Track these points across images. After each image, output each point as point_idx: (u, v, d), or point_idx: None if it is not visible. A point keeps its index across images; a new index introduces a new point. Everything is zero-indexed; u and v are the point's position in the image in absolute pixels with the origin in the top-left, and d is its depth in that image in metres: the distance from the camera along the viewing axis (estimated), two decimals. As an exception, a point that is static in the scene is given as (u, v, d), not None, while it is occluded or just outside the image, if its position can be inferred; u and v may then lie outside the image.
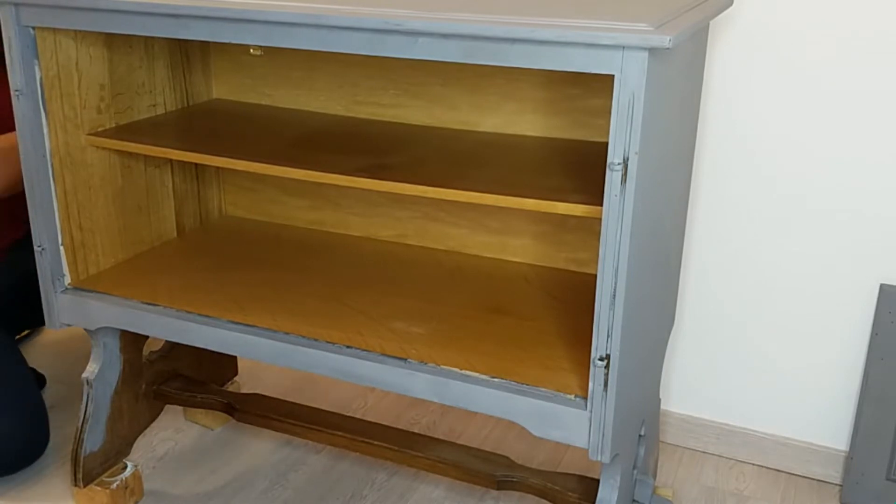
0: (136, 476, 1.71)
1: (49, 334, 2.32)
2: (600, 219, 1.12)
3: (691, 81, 1.39)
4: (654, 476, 1.68)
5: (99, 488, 1.64)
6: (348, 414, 1.75)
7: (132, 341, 1.66)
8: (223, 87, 1.80)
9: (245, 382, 2.07)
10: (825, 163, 1.64)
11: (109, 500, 1.65)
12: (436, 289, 1.54)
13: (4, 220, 1.94)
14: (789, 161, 1.66)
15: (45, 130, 1.44)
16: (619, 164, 1.08)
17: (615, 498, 1.30)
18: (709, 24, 1.46)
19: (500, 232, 1.65)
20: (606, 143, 1.09)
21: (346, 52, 1.19)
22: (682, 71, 1.28)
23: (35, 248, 1.50)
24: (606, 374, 1.17)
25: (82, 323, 1.53)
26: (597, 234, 1.14)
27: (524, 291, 1.54)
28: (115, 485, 1.65)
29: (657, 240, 1.30)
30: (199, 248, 1.71)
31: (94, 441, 1.62)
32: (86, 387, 1.60)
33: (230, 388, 1.98)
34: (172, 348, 1.78)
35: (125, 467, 1.69)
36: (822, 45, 1.58)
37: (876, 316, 1.66)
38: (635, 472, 1.43)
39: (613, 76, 1.06)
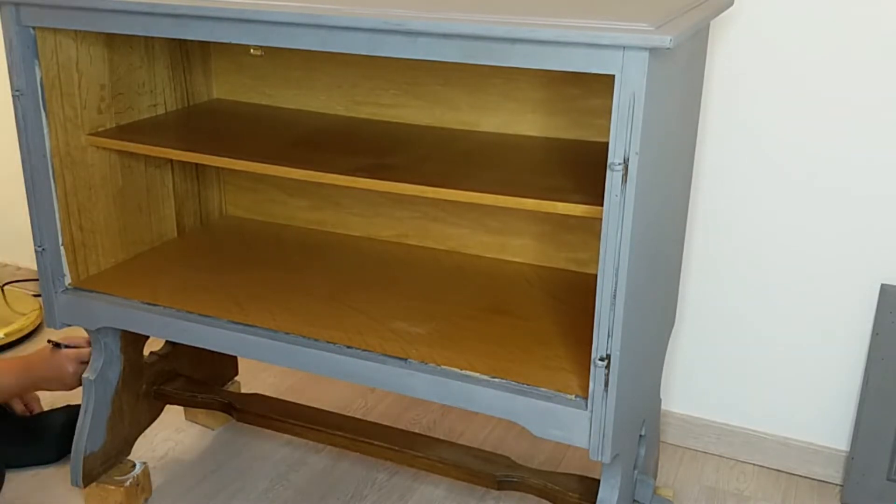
0: (146, 474, 1.71)
1: (49, 334, 2.32)
2: (600, 219, 1.12)
3: (692, 81, 1.39)
4: (655, 476, 1.68)
5: (112, 487, 1.65)
6: (348, 414, 1.75)
7: (132, 341, 1.66)
8: (223, 87, 1.80)
9: (245, 382, 2.07)
10: (826, 163, 1.63)
11: (124, 498, 1.65)
12: (436, 289, 1.54)
13: None
14: (790, 162, 1.66)
15: (46, 130, 1.44)
16: (619, 164, 1.08)
17: (616, 498, 1.30)
18: (709, 24, 1.46)
19: (501, 232, 1.65)
20: (606, 143, 1.09)
21: (345, 53, 1.19)
22: (682, 71, 1.28)
23: (35, 248, 1.50)
24: (607, 374, 1.17)
25: (82, 323, 1.53)
26: (597, 234, 1.14)
27: (524, 291, 1.54)
28: (128, 482, 1.66)
29: (658, 240, 1.30)
30: (199, 248, 1.71)
31: (94, 441, 1.62)
32: (86, 387, 1.60)
33: (230, 388, 1.98)
34: (172, 348, 1.78)
35: (134, 466, 1.69)
36: (823, 44, 1.58)
37: (876, 316, 1.66)
38: (636, 472, 1.43)
39: (614, 76, 1.06)
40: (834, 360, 1.74)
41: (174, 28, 1.28)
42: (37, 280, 1.55)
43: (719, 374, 1.84)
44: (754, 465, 1.86)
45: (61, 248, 1.51)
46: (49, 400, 1.97)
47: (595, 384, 1.18)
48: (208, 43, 1.74)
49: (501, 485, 1.52)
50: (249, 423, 1.75)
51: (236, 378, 2.02)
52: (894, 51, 1.54)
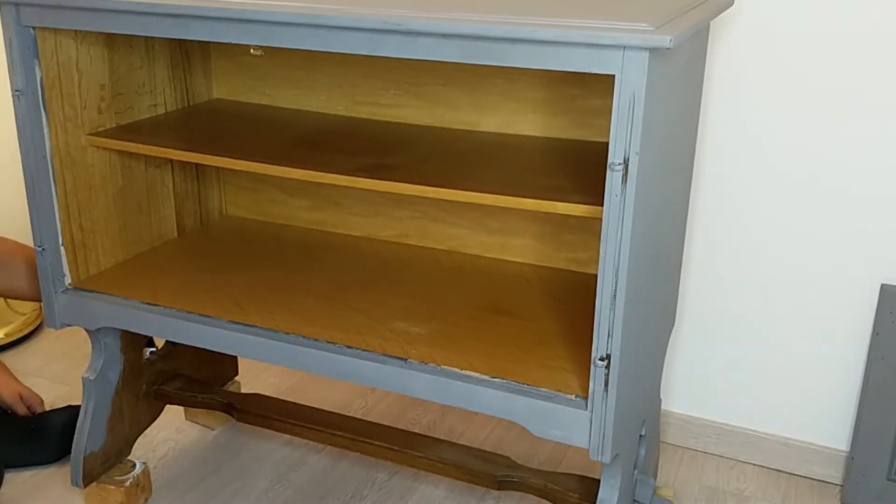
0: (146, 474, 1.71)
1: (49, 334, 2.32)
2: (600, 219, 1.12)
3: (692, 81, 1.39)
4: (655, 476, 1.68)
5: (112, 487, 1.65)
6: (349, 414, 1.75)
7: (132, 341, 1.66)
8: (223, 87, 1.80)
9: (245, 382, 2.07)
10: (826, 163, 1.64)
11: (124, 498, 1.65)
12: (436, 289, 1.54)
13: None
14: (790, 162, 1.66)
15: (46, 130, 1.44)
16: (619, 164, 1.08)
17: (616, 498, 1.30)
18: (709, 24, 1.46)
19: (501, 232, 1.65)
20: (607, 143, 1.09)
21: (345, 52, 1.19)
22: (682, 71, 1.28)
23: (35, 248, 1.50)
24: (607, 374, 1.17)
25: (82, 323, 1.53)
26: (597, 234, 1.14)
27: (524, 291, 1.54)
28: (128, 482, 1.66)
29: (658, 240, 1.30)
30: (199, 248, 1.71)
31: (94, 441, 1.62)
32: (86, 387, 1.60)
33: (230, 388, 1.98)
34: (172, 348, 1.78)
35: (134, 466, 1.69)
36: (823, 44, 1.58)
37: (877, 316, 1.66)
38: (636, 472, 1.43)
39: (614, 76, 1.06)
40: (834, 360, 1.74)
41: (174, 28, 1.28)
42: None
43: (719, 374, 1.84)
44: (754, 465, 1.86)
45: (61, 248, 1.51)
46: (49, 400, 1.97)
47: (595, 384, 1.18)
48: (208, 43, 1.74)
49: (501, 485, 1.52)
50: (249, 423, 1.75)
51: (236, 378, 2.02)
52: (894, 51, 1.54)
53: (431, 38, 1.13)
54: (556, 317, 1.45)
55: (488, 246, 1.67)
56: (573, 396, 1.23)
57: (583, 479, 1.49)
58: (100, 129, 1.54)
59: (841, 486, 1.79)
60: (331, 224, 1.78)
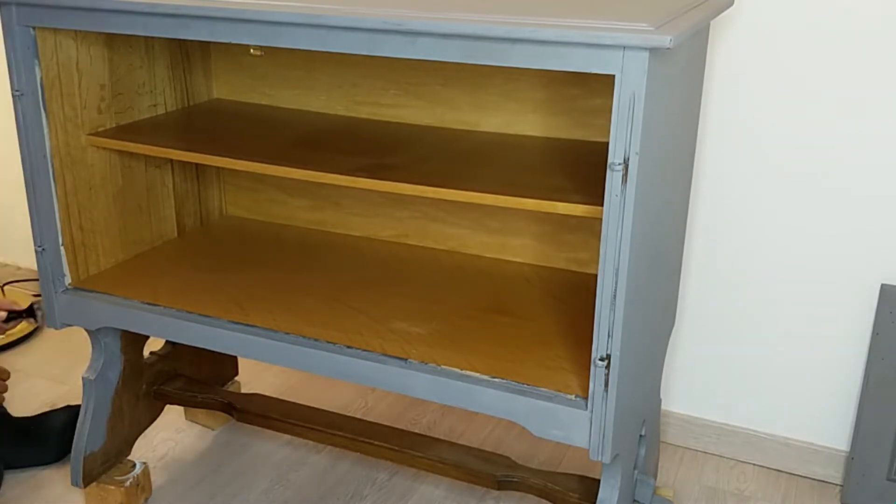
0: (146, 474, 1.71)
1: (49, 334, 2.32)
2: (601, 219, 1.12)
3: (692, 81, 1.39)
4: (655, 476, 1.68)
5: (112, 487, 1.65)
6: (349, 414, 1.75)
7: (132, 341, 1.66)
8: (223, 87, 1.80)
9: (245, 382, 2.07)
10: (826, 163, 1.64)
11: (124, 498, 1.65)
12: (436, 289, 1.54)
13: None
14: (790, 162, 1.66)
15: (46, 131, 1.44)
16: (619, 164, 1.08)
17: (616, 498, 1.30)
18: (709, 24, 1.46)
19: (501, 232, 1.65)
20: (607, 143, 1.09)
21: (345, 52, 1.19)
22: (682, 71, 1.28)
23: (35, 248, 1.50)
24: (607, 374, 1.17)
25: (82, 323, 1.53)
26: (597, 234, 1.14)
27: (524, 291, 1.54)
28: (128, 482, 1.66)
29: (658, 240, 1.30)
30: (199, 248, 1.71)
31: (94, 441, 1.62)
32: (86, 387, 1.60)
33: (230, 388, 1.98)
34: (172, 348, 1.78)
35: (134, 466, 1.69)
36: (823, 44, 1.58)
37: (877, 316, 1.66)
38: (636, 472, 1.43)
39: (614, 76, 1.06)
40: (834, 360, 1.74)
41: (174, 28, 1.28)
42: (37, 280, 1.55)
43: (719, 374, 1.84)
44: (754, 465, 1.86)
45: (61, 248, 1.50)
46: (49, 400, 1.97)
47: (595, 384, 1.18)
48: (208, 43, 1.74)
49: (501, 485, 1.52)
50: (249, 423, 1.75)
51: (236, 378, 2.02)
52: (894, 51, 1.54)
53: (431, 38, 1.13)
54: (556, 317, 1.45)
55: (488, 246, 1.67)
56: (573, 396, 1.23)
57: (583, 479, 1.49)
58: (100, 129, 1.54)
59: (841, 486, 1.79)
60: (331, 224, 1.78)
